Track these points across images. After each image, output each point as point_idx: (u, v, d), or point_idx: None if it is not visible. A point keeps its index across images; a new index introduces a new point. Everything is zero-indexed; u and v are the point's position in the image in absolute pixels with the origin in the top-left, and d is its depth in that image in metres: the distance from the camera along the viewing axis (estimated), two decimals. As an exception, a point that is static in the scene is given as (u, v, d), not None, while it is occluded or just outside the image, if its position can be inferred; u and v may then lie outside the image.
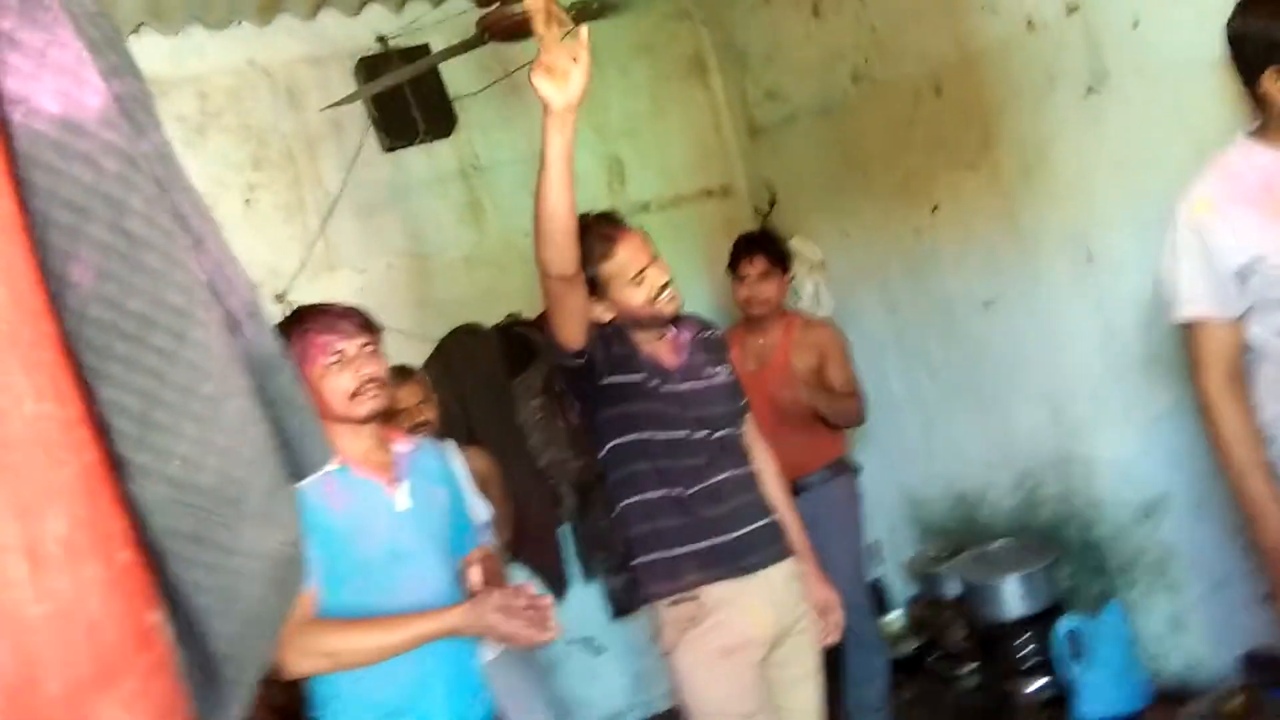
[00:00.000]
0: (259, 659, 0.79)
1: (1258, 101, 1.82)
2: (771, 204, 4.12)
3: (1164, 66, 2.63)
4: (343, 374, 1.87)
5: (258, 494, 0.72)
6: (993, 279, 3.30)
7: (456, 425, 3.37)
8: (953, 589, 3.46)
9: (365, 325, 1.95)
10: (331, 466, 1.83)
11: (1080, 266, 3.02)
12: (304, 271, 3.37)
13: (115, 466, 0.69)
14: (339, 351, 1.88)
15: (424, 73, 3.33)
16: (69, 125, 0.65)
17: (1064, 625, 3.10)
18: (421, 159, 3.63)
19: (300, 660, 1.75)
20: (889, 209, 3.60)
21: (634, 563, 2.20)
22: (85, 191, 0.65)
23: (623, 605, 3.71)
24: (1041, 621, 3.18)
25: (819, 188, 3.88)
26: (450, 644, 1.86)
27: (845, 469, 3.34)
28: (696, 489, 2.14)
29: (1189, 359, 1.94)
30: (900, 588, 4.01)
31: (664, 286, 2.15)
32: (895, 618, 3.94)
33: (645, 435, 2.15)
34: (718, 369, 2.29)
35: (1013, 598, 3.19)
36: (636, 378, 2.16)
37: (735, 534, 2.15)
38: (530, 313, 3.68)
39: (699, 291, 3.89)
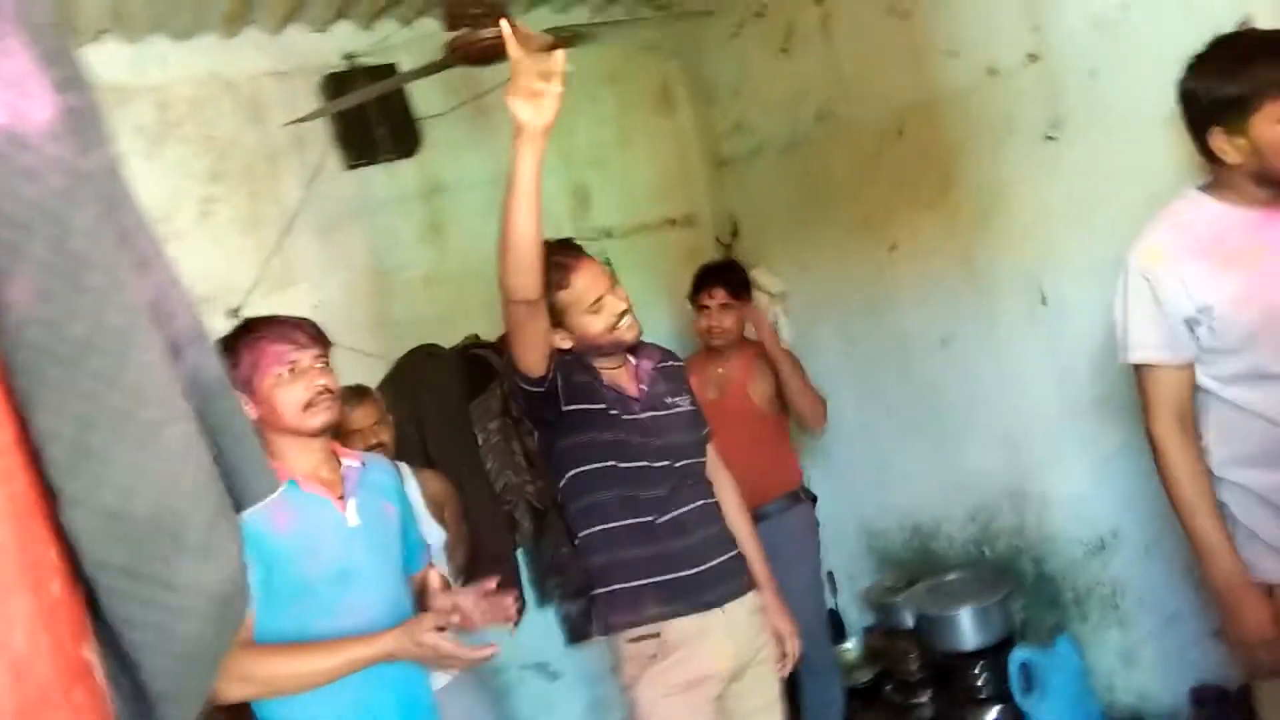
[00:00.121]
0: (197, 696, 0.76)
1: (1207, 156, 1.86)
2: (734, 235, 4.15)
3: (1120, 117, 2.69)
4: (295, 384, 1.84)
5: (197, 526, 0.69)
6: (949, 318, 3.34)
7: (412, 447, 3.33)
8: (908, 619, 3.48)
9: (317, 337, 1.92)
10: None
11: (1035, 308, 3.07)
12: (259, 287, 3.31)
13: (48, 495, 0.67)
14: (292, 361, 1.85)
15: (390, 91, 3.31)
16: (13, 138, 0.63)
17: (1017, 656, 3.12)
18: (383, 178, 3.60)
19: (231, 686, 1.70)
20: (849, 245, 3.64)
21: (595, 593, 2.18)
22: (27, 207, 0.62)
23: (578, 631, 3.67)
24: (995, 652, 3.20)
25: (781, 221, 3.92)
26: (401, 668, 1.82)
27: (802, 498, 3.35)
28: (660, 520, 2.13)
29: (1140, 401, 1.97)
30: (856, 617, 4.01)
31: (622, 314, 2.14)
32: (851, 647, 3.95)
33: (607, 464, 2.13)
34: (679, 398, 2.28)
35: (967, 629, 3.21)
36: (598, 406, 2.14)
37: (699, 568, 2.14)
38: (489, 335, 3.65)
39: (660, 320, 3.89)
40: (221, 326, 1.98)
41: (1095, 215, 2.80)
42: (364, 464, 1.97)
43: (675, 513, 2.14)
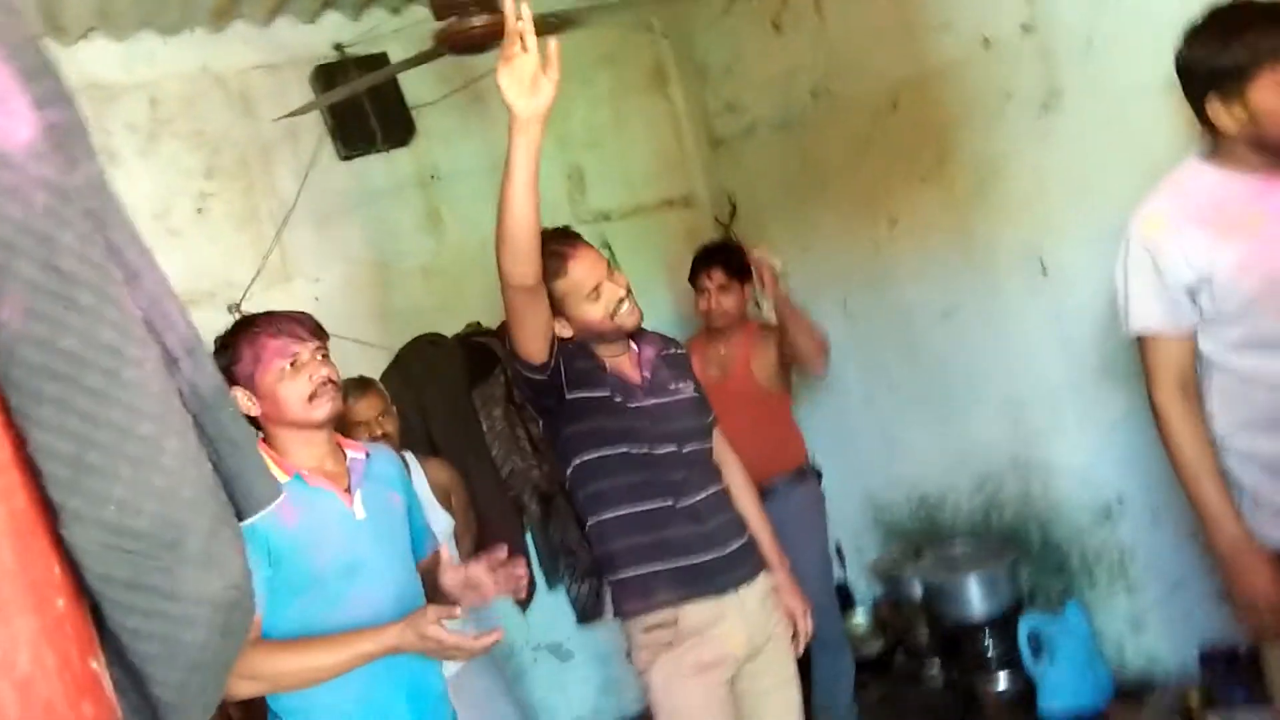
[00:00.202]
0: (205, 704, 0.77)
1: (1206, 125, 1.85)
2: (732, 214, 4.13)
3: (1116, 86, 2.68)
4: (298, 377, 1.84)
5: (198, 537, 0.70)
6: (950, 291, 3.33)
7: (417, 436, 3.34)
8: (916, 590, 3.49)
9: (316, 330, 1.92)
10: (284, 478, 1.80)
11: (1035, 279, 3.06)
12: (258, 281, 3.31)
13: (49, 512, 0.67)
14: (294, 354, 1.85)
15: (383, 81, 3.29)
16: (-4, 158, 0.62)
17: (1026, 624, 3.14)
18: (379, 168, 3.59)
19: (239, 684, 1.71)
20: (848, 221, 3.63)
21: (608, 579, 2.19)
22: (13, 228, 0.62)
23: (589, 611, 3.70)
24: (1004, 620, 3.22)
25: (779, 199, 3.90)
26: (411, 658, 1.83)
27: (808, 474, 3.36)
28: (678, 505, 2.13)
29: (1142, 370, 1.97)
30: (865, 589, 4.03)
31: (621, 300, 2.13)
32: (861, 618, 3.97)
33: (613, 451, 2.13)
34: (682, 384, 2.27)
35: (975, 597, 3.22)
36: (602, 393, 2.14)
37: (711, 555, 2.14)
38: (490, 322, 3.65)
39: (661, 301, 3.89)
40: (223, 322, 1.97)
41: (1093, 185, 2.78)
42: (369, 455, 1.97)
43: (691, 500, 2.15)
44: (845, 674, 3.29)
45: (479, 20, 2.31)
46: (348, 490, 1.88)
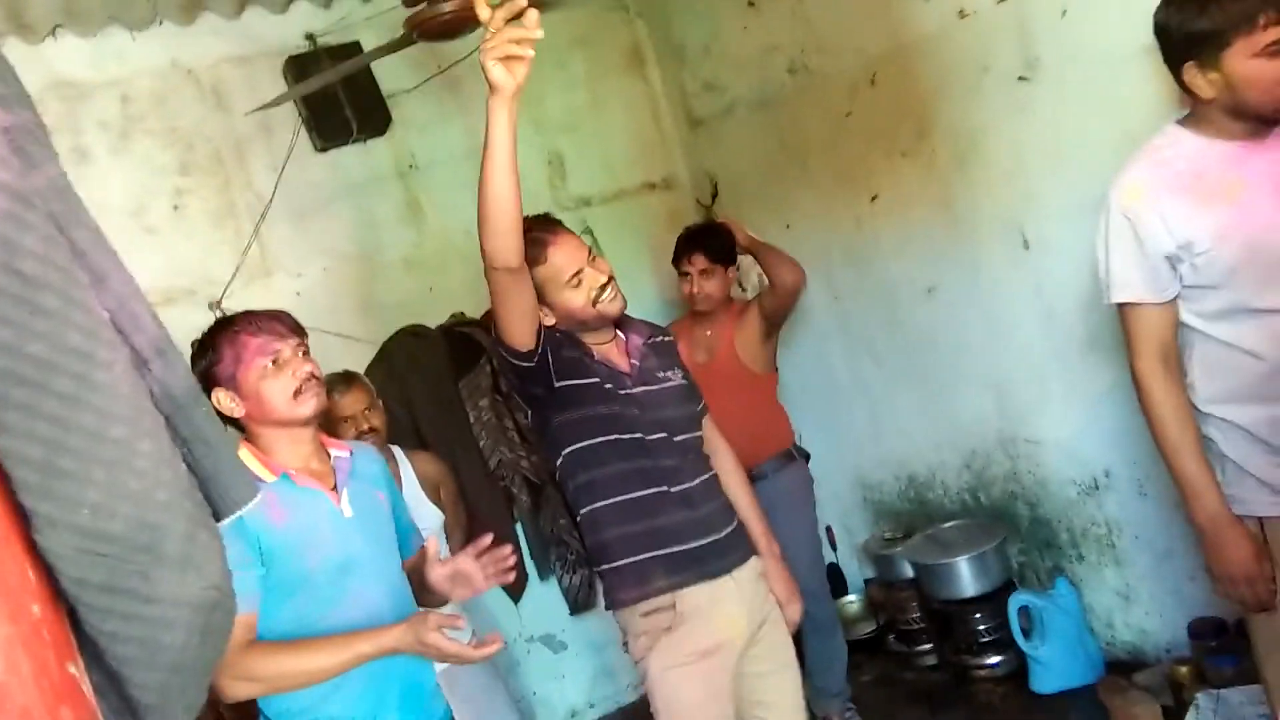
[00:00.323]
0: (187, 705, 0.76)
1: (1185, 90, 1.85)
2: (714, 195, 4.12)
3: (1094, 54, 2.67)
4: (281, 374, 1.82)
5: (175, 539, 0.69)
6: (933, 266, 3.34)
7: (404, 430, 3.33)
8: (907, 570, 3.51)
9: (295, 327, 1.90)
10: (271, 478, 1.79)
11: (1017, 252, 3.06)
12: (238, 277, 3.28)
13: (21, 518, 0.66)
14: (275, 351, 1.83)
15: (354, 71, 3.26)
16: (-48, 164, 0.61)
17: (1016, 601, 3.16)
18: (356, 159, 3.56)
19: (235, 685, 1.70)
20: (829, 199, 3.62)
21: (600, 569, 2.16)
22: (-29, 233, 0.61)
23: (581, 601, 3.70)
24: (994, 598, 3.24)
25: (759, 179, 3.89)
26: (404, 656, 1.82)
27: (796, 457, 3.36)
28: (664, 491, 2.11)
29: (1124, 340, 1.97)
30: (856, 570, 4.05)
31: (604, 287, 2.11)
32: (853, 600, 3.99)
33: (603, 439, 2.11)
34: (671, 373, 2.26)
35: (965, 576, 3.24)
36: (590, 381, 2.12)
37: (705, 540, 2.13)
38: (474, 312, 3.64)
39: (645, 285, 3.88)
40: (203, 320, 1.95)
41: (1072, 155, 2.78)
42: (353, 453, 1.96)
43: (683, 486, 2.14)
44: (838, 656, 3.31)
45: (449, 5, 2.29)
46: (334, 489, 1.87)
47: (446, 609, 2.10)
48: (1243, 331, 1.84)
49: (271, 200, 3.35)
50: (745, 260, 3.50)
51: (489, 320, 3.56)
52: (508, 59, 1.67)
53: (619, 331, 2.24)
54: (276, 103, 2.95)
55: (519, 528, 3.66)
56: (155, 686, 0.73)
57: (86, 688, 0.70)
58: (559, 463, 2.17)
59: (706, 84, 4.03)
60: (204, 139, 3.32)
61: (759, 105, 3.81)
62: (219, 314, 3.05)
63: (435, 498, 2.98)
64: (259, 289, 3.29)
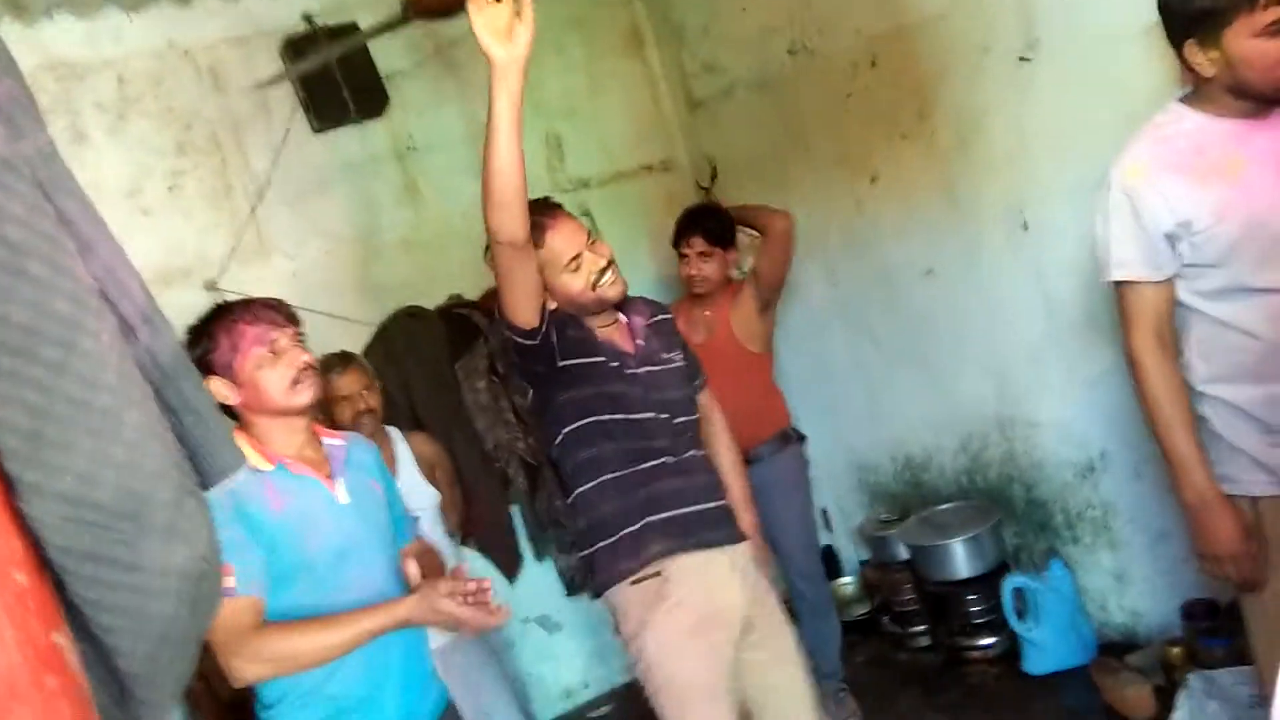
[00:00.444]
0: (175, 676, 0.77)
1: (1187, 68, 1.84)
2: (713, 177, 4.11)
3: (1095, 34, 2.66)
4: (278, 363, 1.82)
5: (161, 507, 0.69)
6: (933, 248, 3.33)
7: (400, 410, 3.33)
8: (902, 552, 3.52)
9: (292, 316, 1.90)
10: (268, 467, 1.80)
11: (1017, 234, 3.06)
12: (235, 258, 3.28)
13: (7, 485, 0.66)
14: (272, 340, 1.83)
15: (353, 51, 3.24)
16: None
17: (1010, 583, 3.17)
18: (354, 140, 3.55)
19: (247, 666, 1.71)
20: (829, 180, 3.61)
21: (595, 547, 2.13)
22: (-43, 198, 0.61)
23: (577, 582, 3.71)
24: (989, 580, 3.25)
25: (759, 160, 3.88)
26: (401, 635, 1.83)
27: (792, 438, 3.36)
28: (660, 464, 2.11)
29: (1119, 318, 1.97)
30: (852, 552, 4.06)
31: (604, 271, 2.10)
32: (848, 582, 4.00)
33: (606, 418, 2.10)
34: (673, 354, 2.26)
35: (960, 558, 3.25)
36: (596, 360, 2.11)
37: (698, 506, 2.12)
38: (472, 294, 3.63)
39: (644, 267, 3.88)
40: (200, 301, 1.94)
41: (1073, 136, 2.77)
42: (347, 443, 1.96)
43: (674, 457, 2.13)
44: (832, 637, 3.32)
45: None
46: (329, 477, 1.87)
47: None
48: (1240, 310, 1.84)
49: (268, 181, 3.34)
50: (743, 242, 3.50)
51: (487, 302, 3.59)
52: (503, 32, 1.67)
53: (620, 313, 2.23)
54: (274, 81, 2.95)
55: (515, 509, 3.67)
56: (142, 656, 0.73)
57: (72, 657, 0.70)
58: (558, 441, 2.16)
59: (706, 65, 4.01)
60: (201, 120, 3.31)
61: (758, 87, 3.79)
62: (216, 294, 3.04)
63: (432, 478, 2.98)
64: (256, 270, 3.28)
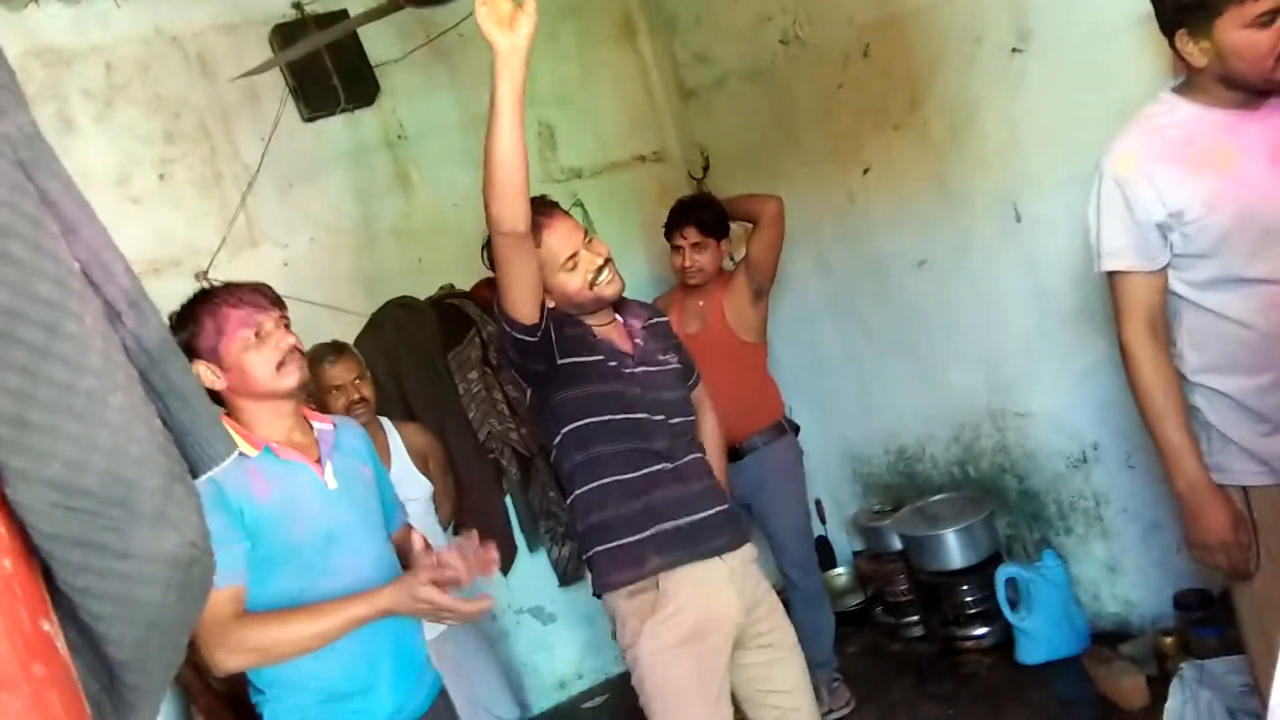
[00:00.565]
0: (164, 663, 0.76)
1: (1179, 57, 1.84)
2: (705, 168, 4.10)
3: (1087, 25, 2.66)
4: (264, 346, 1.81)
5: (149, 494, 0.68)
6: (925, 239, 3.33)
7: (392, 401, 3.32)
8: (895, 542, 3.52)
9: (276, 300, 1.89)
10: (254, 452, 1.78)
11: (1009, 225, 3.06)
12: (225, 248, 3.25)
13: (-9, 471, 0.65)
14: (257, 323, 1.81)
15: (343, 39, 3.22)
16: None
17: (1003, 573, 3.17)
18: (344, 128, 3.52)
19: (229, 657, 1.70)
20: (820, 171, 3.60)
21: (593, 551, 2.12)
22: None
23: (570, 574, 3.71)
24: (982, 570, 3.25)
25: (751, 151, 3.87)
26: (395, 623, 1.82)
27: (786, 429, 3.36)
28: (658, 471, 2.09)
29: (1111, 308, 1.97)
30: (845, 543, 4.06)
31: (600, 269, 2.09)
32: (841, 572, 4.01)
33: (605, 418, 2.09)
34: (668, 356, 2.25)
35: (953, 548, 3.26)
36: (595, 358, 2.10)
37: (696, 516, 2.11)
38: (463, 285, 3.62)
39: (638, 259, 3.87)
40: (190, 290, 1.92)
41: (1065, 127, 2.77)
42: (335, 427, 1.95)
43: (672, 464, 2.11)
44: (825, 627, 3.33)
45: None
46: (318, 461, 1.86)
47: None
48: (1231, 300, 1.84)
49: (258, 170, 3.32)
50: (736, 232, 3.49)
51: (479, 292, 3.58)
52: (505, 19, 1.67)
53: (617, 315, 2.22)
54: (262, 69, 2.92)
55: (508, 500, 3.66)
56: (131, 644, 0.72)
57: (60, 644, 0.69)
58: (556, 441, 2.14)
59: (698, 55, 4.00)
60: (190, 108, 3.28)
61: (751, 77, 3.78)
62: (205, 284, 3.02)
63: (424, 469, 2.97)
64: (246, 259, 3.26)
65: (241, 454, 1.77)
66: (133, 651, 0.71)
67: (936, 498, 3.49)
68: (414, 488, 2.83)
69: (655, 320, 2.29)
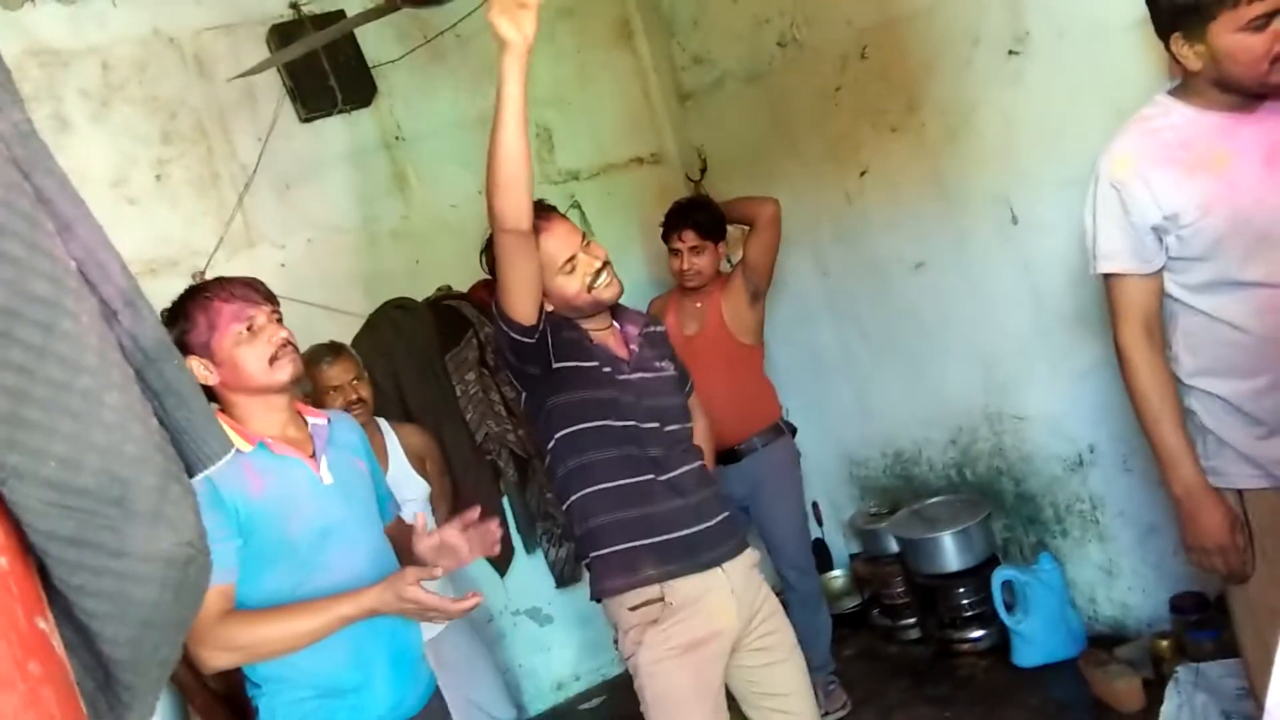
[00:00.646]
0: (159, 662, 0.75)
1: (1174, 60, 1.84)
2: (703, 170, 4.10)
3: (1085, 27, 2.66)
4: (257, 340, 1.81)
5: (145, 492, 0.68)
6: (922, 241, 3.33)
7: (390, 402, 3.31)
8: (892, 545, 3.52)
9: (268, 294, 1.89)
10: (248, 447, 1.78)
11: (1006, 228, 3.06)
12: (222, 249, 3.25)
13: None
14: (250, 318, 1.81)
15: (340, 40, 3.22)
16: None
17: (1000, 576, 3.18)
18: (341, 129, 3.52)
19: (215, 655, 1.70)
20: (818, 173, 3.61)
21: (589, 557, 2.12)
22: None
23: (567, 575, 3.71)
24: (978, 573, 3.26)
25: (748, 153, 3.87)
26: (391, 619, 1.82)
27: (783, 431, 3.36)
28: (659, 479, 2.09)
29: (1108, 311, 1.97)
30: (842, 545, 4.06)
31: (599, 272, 2.08)
32: (838, 575, 4.01)
33: (598, 424, 2.08)
34: (664, 363, 2.24)
35: (950, 551, 3.26)
36: (590, 363, 2.09)
37: (696, 528, 2.10)
38: (461, 286, 3.62)
39: (635, 261, 3.87)
40: (170, 291, 1.92)
41: (1062, 130, 2.78)
42: (330, 421, 1.94)
43: (673, 473, 2.11)
44: (822, 629, 3.33)
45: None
46: (313, 456, 1.86)
47: (433, 585, 2.09)
48: (1227, 304, 1.84)
49: (255, 170, 3.32)
50: (733, 234, 3.50)
51: (476, 293, 3.58)
52: (513, 13, 1.68)
53: (614, 321, 2.22)
54: (259, 69, 2.92)
55: (505, 501, 3.66)
56: (126, 642, 0.72)
57: (56, 642, 0.69)
58: (550, 446, 2.13)
59: (695, 57, 4.00)
60: (187, 108, 3.28)
61: (748, 79, 3.78)
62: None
63: (421, 470, 2.97)
64: (243, 260, 3.26)
65: (236, 449, 1.76)
66: (128, 650, 0.71)
67: (933, 500, 3.50)
68: (411, 489, 2.83)
69: (651, 328, 2.29)
